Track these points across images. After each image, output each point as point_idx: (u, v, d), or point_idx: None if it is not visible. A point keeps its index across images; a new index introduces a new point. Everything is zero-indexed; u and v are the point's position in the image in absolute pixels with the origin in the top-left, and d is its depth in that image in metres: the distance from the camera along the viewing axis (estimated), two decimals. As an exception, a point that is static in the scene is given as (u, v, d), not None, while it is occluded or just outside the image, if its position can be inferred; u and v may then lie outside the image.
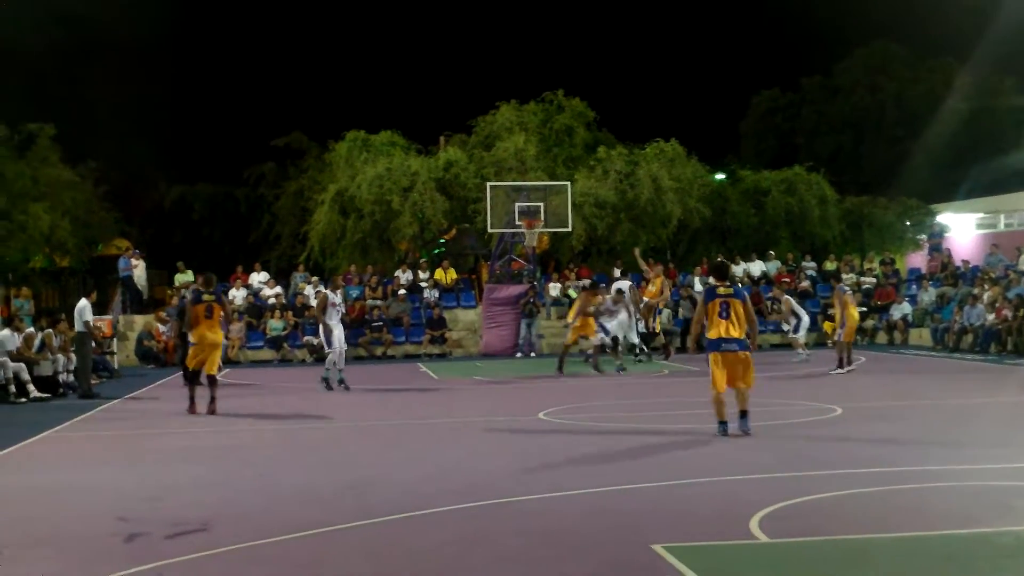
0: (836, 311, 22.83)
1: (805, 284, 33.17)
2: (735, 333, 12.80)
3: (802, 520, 8.55)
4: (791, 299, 26.75)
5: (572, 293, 33.01)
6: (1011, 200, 38.87)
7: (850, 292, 24.03)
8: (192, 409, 16.95)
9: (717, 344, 12.85)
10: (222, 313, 17.33)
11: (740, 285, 15.00)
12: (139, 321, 31.24)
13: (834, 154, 50.65)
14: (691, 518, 8.72)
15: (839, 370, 21.64)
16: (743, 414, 12.94)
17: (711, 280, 13.83)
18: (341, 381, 20.41)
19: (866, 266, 35.23)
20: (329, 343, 20.35)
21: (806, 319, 26.08)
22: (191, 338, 17.37)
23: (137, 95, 54.25)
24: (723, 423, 12.89)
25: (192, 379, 17.34)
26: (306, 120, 56.63)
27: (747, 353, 12.91)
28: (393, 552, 7.84)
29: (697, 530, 8.30)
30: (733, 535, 8.04)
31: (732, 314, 12.81)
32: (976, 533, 8.00)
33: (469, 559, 7.57)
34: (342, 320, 21.01)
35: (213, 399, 16.94)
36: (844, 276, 33.28)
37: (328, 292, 20.80)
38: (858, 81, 53.00)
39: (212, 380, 17.08)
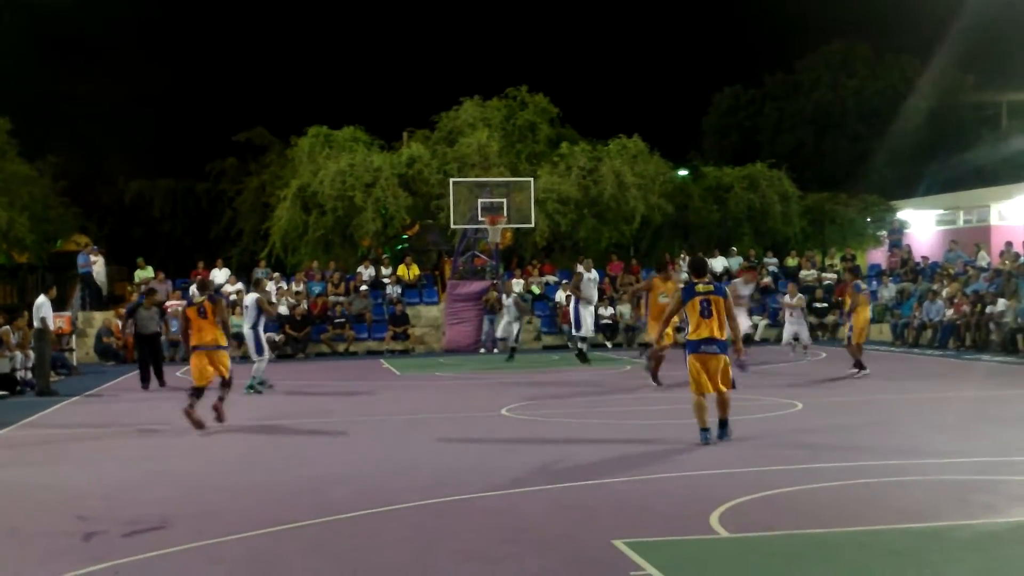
0: (846, 310, 20.65)
1: (767, 280, 33.34)
2: (718, 334, 11.96)
3: (762, 514, 8.60)
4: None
5: (535, 289, 33.08)
6: (970, 197, 39.31)
7: (866, 291, 21.77)
8: (199, 423, 14.42)
9: (697, 346, 11.98)
10: (216, 313, 15.01)
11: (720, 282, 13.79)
12: (98, 318, 31.00)
13: (796, 150, 51.00)
14: (652, 513, 8.74)
15: (862, 372, 19.85)
16: (723, 423, 12.18)
17: (687, 277, 13.08)
18: (263, 383, 19.53)
19: (827, 262, 35.47)
20: (261, 349, 19.41)
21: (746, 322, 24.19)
22: (192, 341, 14.99)
23: (97, 89, 53.93)
24: (705, 430, 11.99)
25: (199, 395, 14.72)
26: (268, 115, 56.64)
27: (726, 357, 12.07)
28: (353, 549, 7.81)
29: (658, 525, 8.32)
30: (693, 530, 8.06)
31: (714, 313, 11.97)
32: (933, 527, 8.07)
33: (430, 555, 7.55)
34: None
35: (221, 399, 15.02)
36: (803, 273, 33.63)
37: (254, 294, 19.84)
38: (820, 78, 53.40)
39: (225, 383, 15.04)
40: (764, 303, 31.93)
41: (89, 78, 53.26)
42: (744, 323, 21.70)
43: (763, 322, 30.74)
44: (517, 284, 33.18)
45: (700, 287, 12.17)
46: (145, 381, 21.42)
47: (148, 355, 21.88)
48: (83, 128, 49.30)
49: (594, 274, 23.17)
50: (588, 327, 22.94)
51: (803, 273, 33.98)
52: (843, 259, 35.17)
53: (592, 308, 23.14)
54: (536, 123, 38.85)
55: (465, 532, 8.25)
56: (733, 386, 12.32)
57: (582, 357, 23.10)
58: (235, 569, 7.27)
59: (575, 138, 39.17)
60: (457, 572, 7.15)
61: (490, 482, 10.08)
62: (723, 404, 12.13)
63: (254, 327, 19.30)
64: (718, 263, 34.65)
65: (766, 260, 35.16)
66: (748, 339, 22.32)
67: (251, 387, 19.28)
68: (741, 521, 8.27)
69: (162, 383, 21.51)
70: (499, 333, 23.06)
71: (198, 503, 9.56)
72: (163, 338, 25.18)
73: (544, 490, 9.75)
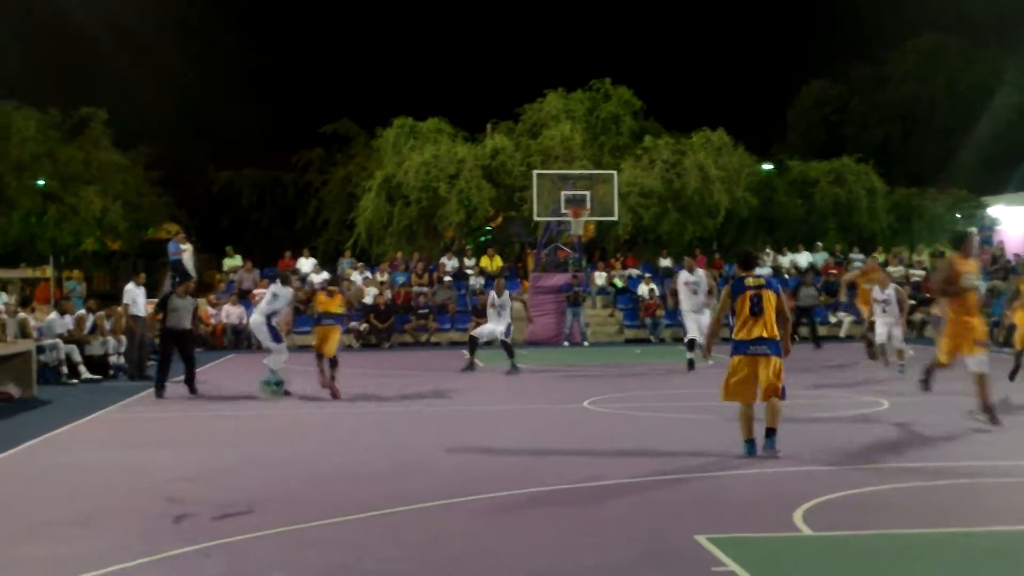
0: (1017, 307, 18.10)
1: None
2: (768, 333, 10.81)
3: (847, 513, 8.52)
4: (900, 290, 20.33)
5: (617, 282, 33.02)
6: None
7: None
8: (334, 391, 17.12)
9: (745, 347, 10.85)
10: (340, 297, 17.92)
11: (773, 276, 12.21)
12: (188, 304, 31.51)
13: (883, 145, 50.16)
14: (735, 509, 8.69)
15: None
16: (771, 432, 10.97)
17: (736, 271, 11.80)
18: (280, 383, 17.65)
19: (915, 258, 34.91)
20: (278, 339, 17.86)
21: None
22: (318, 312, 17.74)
23: (187, 81, 54.80)
24: (750, 442, 10.98)
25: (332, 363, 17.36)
26: (354, 107, 56.86)
27: (779, 359, 10.86)
28: (433, 539, 7.89)
29: (741, 522, 8.27)
30: (777, 527, 8.01)
31: (765, 310, 10.83)
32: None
33: (508, 545, 7.61)
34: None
35: (333, 378, 17.25)
36: (891, 269, 33.11)
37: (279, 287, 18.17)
38: (909, 72, 52.41)
39: (332, 362, 17.33)
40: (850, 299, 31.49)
41: (180, 70, 54.16)
42: (896, 333, 19.18)
43: (848, 319, 30.30)
44: (600, 276, 33.18)
45: (750, 281, 11.04)
46: (161, 387, 17.75)
47: (172, 355, 18.05)
48: (174, 119, 50.16)
49: (697, 275, 21.11)
50: (691, 331, 20.69)
51: (890, 269, 33.42)
52: (931, 255, 34.61)
53: (695, 312, 20.79)
54: (620, 116, 38.78)
55: (544, 524, 8.28)
56: (783, 395, 10.96)
57: (689, 365, 20.60)
58: (321, 554, 7.39)
59: (659, 131, 39.03)
60: (536, 564, 7.18)
61: (571, 475, 10.10)
62: (773, 411, 10.92)
63: (269, 317, 17.71)
64: (802, 258, 34.33)
65: (851, 256, 34.70)
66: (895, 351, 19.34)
67: (268, 384, 17.37)
68: (826, 519, 8.20)
69: (192, 390, 17.95)
70: (485, 338, 21.85)
71: (285, 487, 9.73)
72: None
73: (626, 483, 9.75)
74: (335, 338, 17.51)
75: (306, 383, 18.05)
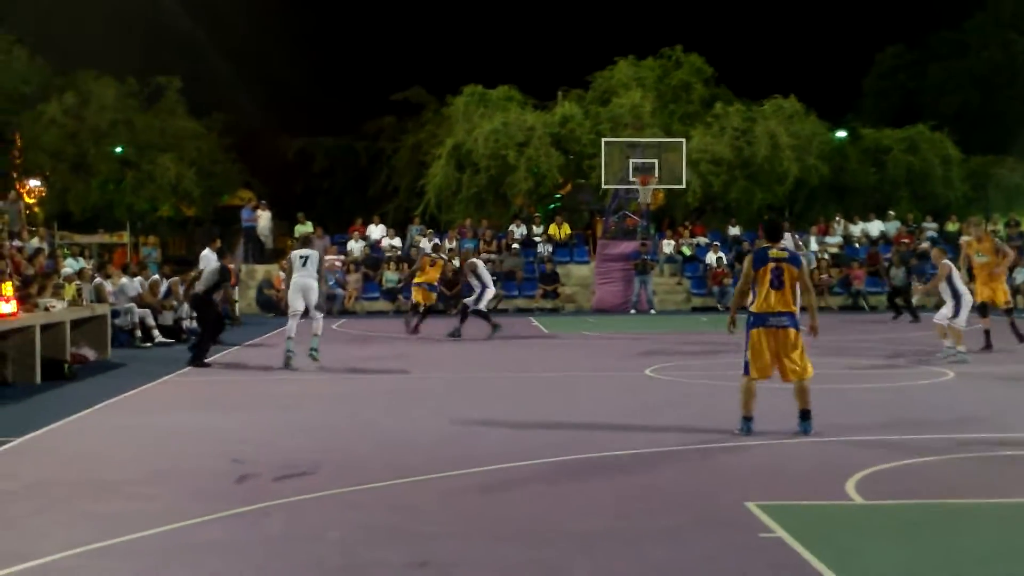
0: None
1: (925, 245, 32.47)
2: (787, 307, 10.48)
3: (900, 483, 8.53)
4: (952, 266, 17.76)
5: (685, 250, 32.95)
6: None
7: None
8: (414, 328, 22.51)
9: (764, 319, 10.47)
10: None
11: (797, 251, 11.39)
12: (260, 271, 32.10)
13: (961, 112, 49.20)
14: (788, 477, 8.74)
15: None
16: (804, 414, 10.53)
17: (760, 241, 11.34)
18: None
19: (989, 228, 34.31)
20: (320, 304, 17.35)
21: (968, 297, 17.38)
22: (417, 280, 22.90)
23: (262, 50, 55.33)
24: (748, 419, 10.57)
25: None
26: (425, 75, 57.04)
27: (798, 333, 10.52)
28: (485, 503, 8.02)
29: (793, 489, 8.33)
30: (828, 495, 8.06)
31: (787, 283, 10.49)
32: (1078, 501, 7.91)
33: (562, 508, 7.73)
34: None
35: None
36: (964, 238, 32.58)
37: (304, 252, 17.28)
38: (989, 37, 51.31)
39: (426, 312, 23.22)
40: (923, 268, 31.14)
41: (255, 39, 54.67)
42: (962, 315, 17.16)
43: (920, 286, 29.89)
44: (668, 244, 33.12)
45: (774, 252, 10.65)
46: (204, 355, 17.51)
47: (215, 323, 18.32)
48: (249, 87, 50.78)
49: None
50: None
51: (964, 238, 32.94)
52: (1007, 225, 34.04)
53: None
54: (690, 83, 38.57)
55: (599, 488, 8.40)
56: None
57: None
58: (370, 516, 7.57)
59: (730, 98, 38.76)
60: (586, 525, 7.29)
61: (627, 441, 10.21)
62: (802, 392, 10.52)
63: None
64: (874, 227, 33.95)
65: (925, 225, 34.25)
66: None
67: (315, 350, 17.08)
68: (878, 488, 8.22)
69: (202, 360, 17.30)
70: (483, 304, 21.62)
71: (344, 451, 9.93)
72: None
73: (680, 450, 9.83)
74: (433, 296, 23.47)
75: (376, 350, 18.26)
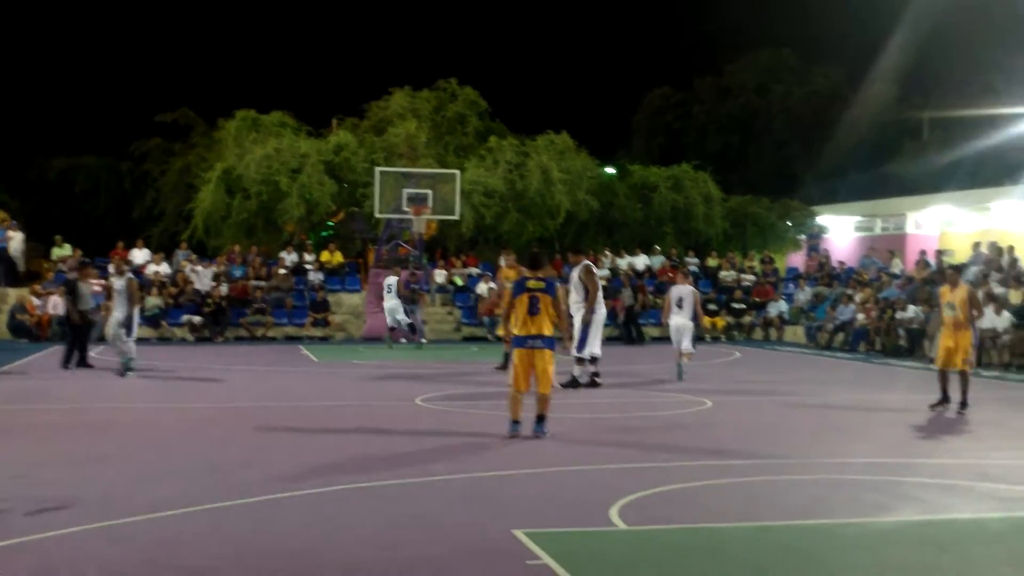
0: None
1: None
2: (544, 330, 11.91)
3: (661, 509, 8.77)
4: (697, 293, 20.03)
5: (457, 280, 33.17)
6: (888, 205, 40.04)
7: None
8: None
9: (523, 341, 11.94)
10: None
11: (551, 280, 12.22)
12: (12, 294, 30.48)
13: (722, 153, 51.62)
14: (554, 505, 8.86)
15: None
16: (541, 418, 12.16)
17: (522, 271, 12.62)
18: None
19: (746, 264, 35.96)
20: (131, 330, 19.42)
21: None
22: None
23: (25, 65, 52.94)
24: (516, 422, 12.12)
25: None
26: (195, 97, 55.59)
27: (551, 352, 12.00)
28: (253, 532, 7.83)
29: (559, 517, 8.45)
30: (593, 522, 8.21)
31: (542, 310, 11.90)
32: (824, 524, 8.32)
33: (328, 540, 7.59)
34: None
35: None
36: (723, 273, 34.09)
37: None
38: (747, 83, 54.07)
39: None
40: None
41: (18, 56, 52.31)
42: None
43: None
44: (440, 275, 33.28)
45: (531, 283, 12.04)
46: (69, 361, 20.30)
47: (80, 333, 20.71)
48: (6, 104, 48.44)
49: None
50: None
51: (723, 274, 34.49)
52: (762, 261, 35.74)
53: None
54: (465, 115, 38.88)
55: (368, 517, 8.31)
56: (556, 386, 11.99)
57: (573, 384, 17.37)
58: (133, 550, 7.26)
59: (504, 132, 39.29)
60: (352, 556, 7.20)
61: (397, 470, 10.15)
62: (543, 401, 12.12)
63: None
64: (640, 261, 35.02)
65: (687, 259, 35.57)
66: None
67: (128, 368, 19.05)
68: (640, 514, 8.44)
69: (84, 361, 20.51)
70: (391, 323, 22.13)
71: (103, 483, 9.50)
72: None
73: (451, 479, 9.84)
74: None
75: (137, 380, 17.60)
